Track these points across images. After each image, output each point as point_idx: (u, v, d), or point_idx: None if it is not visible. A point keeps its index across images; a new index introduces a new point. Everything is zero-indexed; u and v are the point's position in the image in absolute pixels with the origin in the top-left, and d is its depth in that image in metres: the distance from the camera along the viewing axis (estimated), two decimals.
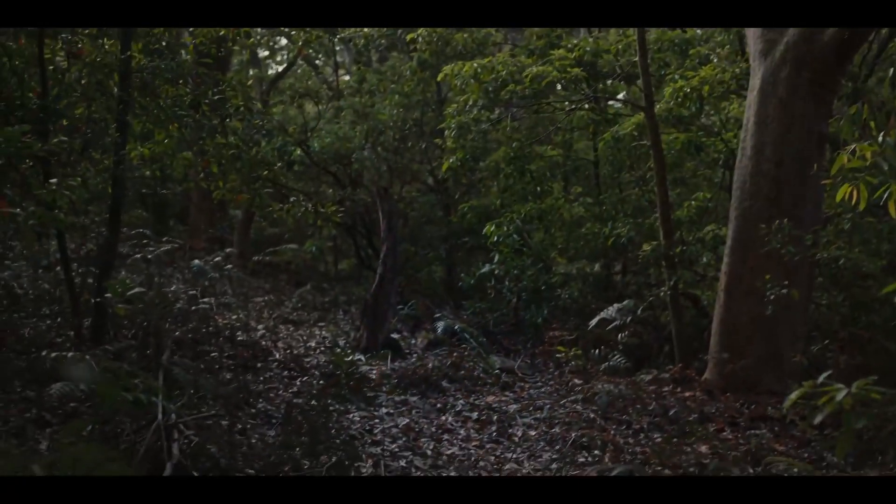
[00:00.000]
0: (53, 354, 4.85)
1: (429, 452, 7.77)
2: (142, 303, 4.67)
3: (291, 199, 10.40)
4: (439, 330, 12.16)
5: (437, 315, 13.67)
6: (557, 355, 11.37)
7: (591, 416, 8.72)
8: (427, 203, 17.64)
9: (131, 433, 6.28)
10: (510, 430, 8.58)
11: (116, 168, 8.62)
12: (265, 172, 10.24)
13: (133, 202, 16.84)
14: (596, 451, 7.73)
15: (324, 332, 13.04)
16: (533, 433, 8.46)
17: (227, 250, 13.74)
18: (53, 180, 4.90)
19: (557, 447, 7.97)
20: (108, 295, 6.13)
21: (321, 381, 9.55)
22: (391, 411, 9.00)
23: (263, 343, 11.27)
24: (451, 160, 13.08)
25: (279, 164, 13.59)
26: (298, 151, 16.51)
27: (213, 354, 9.87)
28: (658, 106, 11.85)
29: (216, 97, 9.22)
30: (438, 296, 16.50)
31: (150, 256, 11.63)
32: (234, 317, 12.28)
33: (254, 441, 7.25)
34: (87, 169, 9.13)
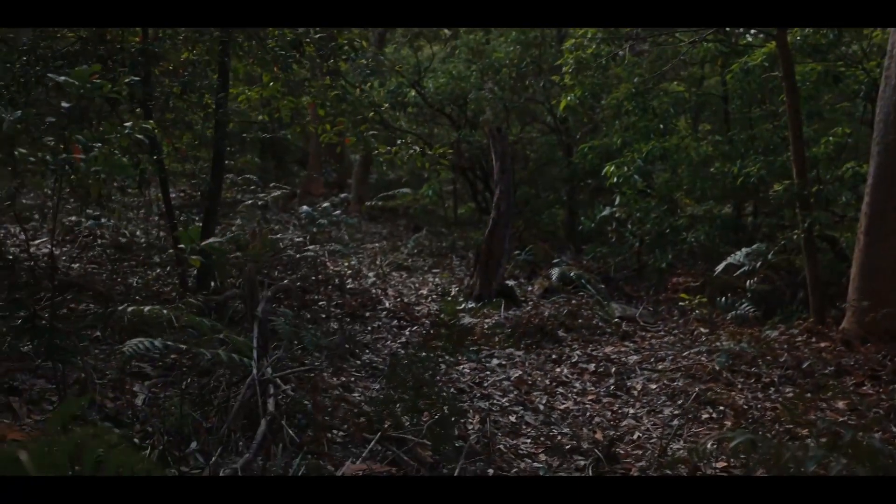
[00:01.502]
0: (130, 308, 4.55)
1: (541, 407, 7.38)
2: (214, 251, 4.37)
3: (399, 142, 9.98)
4: (554, 277, 11.66)
5: (556, 260, 13.18)
6: (681, 303, 10.78)
7: (717, 368, 8.15)
8: (546, 143, 17.07)
9: (226, 388, 6.05)
10: (629, 384, 8.13)
11: (217, 112, 8.36)
12: (371, 114, 9.87)
13: (250, 147, 16.78)
14: (721, 408, 7.22)
15: (437, 279, 12.71)
16: (653, 387, 8.00)
17: (342, 195, 13.48)
18: (128, 123, 4.57)
19: (679, 402, 7.49)
20: (181, 246, 5.81)
21: (430, 331, 9.20)
22: (503, 362, 8.61)
23: (374, 291, 10.97)
24: (568, 98, 12.49)
25: (385, 106, 13.20)
26: (413, 93, 16.10)
27: (320, 304, 9.64)
28: (791, 34, 10.97)
29: (317, 36, 8.83)
30: (559, 240, 16.01)
31: (261, 202, 11.50)
32: (346, 264, 12.04)
33: (356, 396, 6.96)
34: (186, 112, 8.91)
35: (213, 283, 8.71)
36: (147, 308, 4.49)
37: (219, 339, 5.59)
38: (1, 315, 7.05)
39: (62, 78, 4.41)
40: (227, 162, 12.88)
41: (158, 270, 9.63)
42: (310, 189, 19.71)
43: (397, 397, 6.39)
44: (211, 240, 4.42)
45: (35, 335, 6.36)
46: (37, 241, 10.48)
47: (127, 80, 4.74)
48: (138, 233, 11.16)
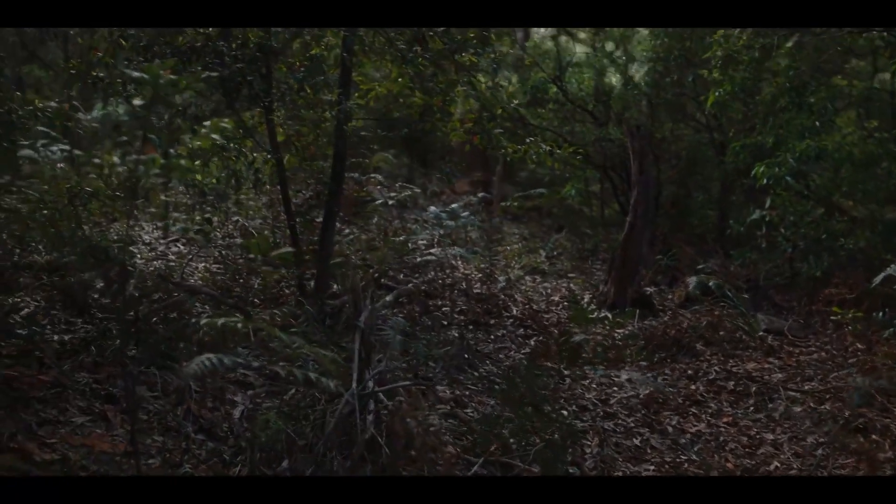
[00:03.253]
0: (204, 320, 4.24)
1: (670, 429, 6.80)
2: (285, 261, 4.01)
3: (528, 140, 9.49)
4: (691, 286, 10.89)
5: (700, 266, 12.41)
6: (833, 317, 9.90)
7: (871, 391, 7.34)
8: (696, 141, 16.21)
9: (325, 402, 5.72)
10: (770, 405, 7.43)
11: (338, 109, 8.05)
12: (499, 111, 9.40)
13: (390, 143, 16.53)
14: (874, 437, 6.47)
15: (571, 285, 12.12)
16: (798, 409, 7.29)
17: (481, 194, 13.06)
18: (207, 123, 4.26)
19: (826, 429, 6.76)
20: (251, 255, 5.46)
21: (541, 344, 8.67)
22: (633, 378, 8.01)
23: (502, 297, 10.47)
24: (717, 93, 11.71)
25: (516, 102, 12.67)
26: (554, 88, 15.53)
27: (443, 309, 9.24)
28: None
29: (441, 29, 8.40)
30: (706, 243, 15.15)
31: (391, 202, 11.21)
32: (477, 266, 11.61)
33: (468, 412, 6.53)
34: (304, 108, 8.66)
35: (333, 285, 8.44)
36: (221, 321, 4.16)
37: (304, 354, 5.26)
38: (110, 317, 6.94)
39: (136, 73, 4.13)
40: (361, 160, 12.68)
41: (283, 271, 9.42)
42: (453, 187, 19.36)
43: (507, 416, 5.94)
44: (283, 250, 4.07)
45: (140, 340, 6.21)
46: (166, 240, 10.46)
47: (204, 76, 4.43)
48: (266, 232, 11.00)
